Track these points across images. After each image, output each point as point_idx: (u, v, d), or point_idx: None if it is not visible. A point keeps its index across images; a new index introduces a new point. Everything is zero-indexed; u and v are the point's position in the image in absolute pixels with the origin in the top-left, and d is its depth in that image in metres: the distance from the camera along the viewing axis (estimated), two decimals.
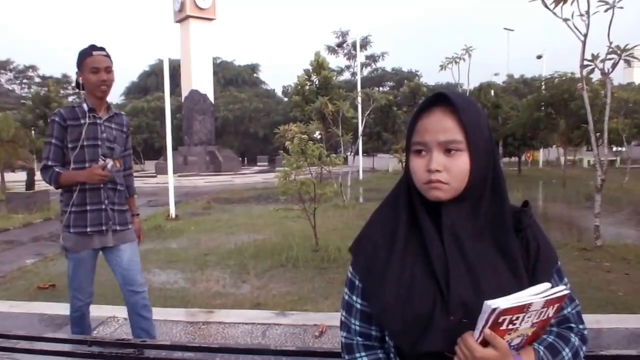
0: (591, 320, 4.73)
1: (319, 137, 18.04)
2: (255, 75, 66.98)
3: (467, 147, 1.17)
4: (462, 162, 1.17)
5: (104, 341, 1.98)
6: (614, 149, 31.53)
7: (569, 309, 1.30)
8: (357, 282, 1.33)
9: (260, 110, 50.31)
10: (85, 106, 3.26)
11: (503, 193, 1.24)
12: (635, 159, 26.93)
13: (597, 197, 8.44)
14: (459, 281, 1.17)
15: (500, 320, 1.07)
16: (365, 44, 44.38)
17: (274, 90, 64.69)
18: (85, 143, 3.19)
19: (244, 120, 48.88)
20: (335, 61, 50.70)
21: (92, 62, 3.18)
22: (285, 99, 51.22)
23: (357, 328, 1.34)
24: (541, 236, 1.28)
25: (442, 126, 1.17)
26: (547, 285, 1.13)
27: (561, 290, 1.12)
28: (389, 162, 32.15)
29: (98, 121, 3.28)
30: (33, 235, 11.11)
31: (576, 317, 1.31)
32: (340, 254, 7.40)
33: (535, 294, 1.10)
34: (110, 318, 5.09)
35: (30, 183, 15.18)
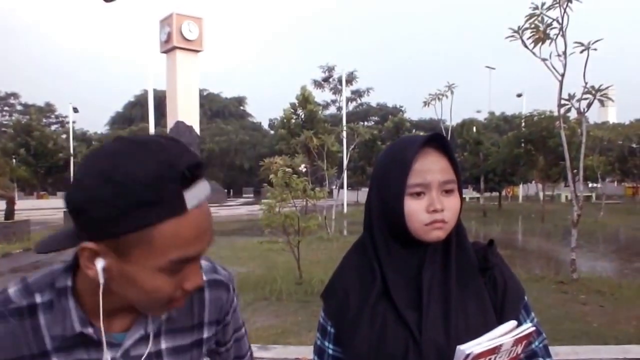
0: (568, 352, 4.77)
1: (304, 170, 18.08)
2: (241, 107, 67.30)
3: (456, 185, 1.20)
4: (456, 201, 1.19)
5: None
6: (590, 185, 32.02)
7: (537, 343, 1.32)
8: (329, 328, 1.31)
9: (247, 143, 50.36)
10: (74, 317, 0.91)
11: (465, 233, 1.27)
12: (610, 195, 27.35)
13: (573, 231, 8.54)
14: (432, 325, 1.18)
15: None
16: (351, 79, 44.93)
17: (260, 123, 65.03)
18: None
19: (230, 152, 48.81)
20: (321, 95, 51.17)
21: (183, 239, 0.81)
22: (272, 132, 51.40)
23: None
24: (508, 273, 1.30)
25: (441, 166, 1.17)
26: (513, 323, 1.15)
27: (528, 327, 1.15)
28: None
29: (107, 356, 0.94)
30: (12, 265, 10.88)
31: (543, 351, 1.33)
32: (323, 286, 7.31)
33: (504, 334, 1.12)
34: None
35: (9, 212, 14.94)
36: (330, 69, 46.41)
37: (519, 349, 1.16)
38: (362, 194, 36.70)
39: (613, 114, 48.70)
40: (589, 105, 8.52)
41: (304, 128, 21.85)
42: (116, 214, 0.76)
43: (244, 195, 44.68)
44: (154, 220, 0.77)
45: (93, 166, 0.79)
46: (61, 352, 0.92)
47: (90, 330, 0.91)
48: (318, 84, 47.27)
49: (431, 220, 1.15)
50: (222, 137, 48.86)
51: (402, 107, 57.54)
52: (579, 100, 8.39)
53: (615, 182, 39.50)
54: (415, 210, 1.17)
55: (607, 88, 8.33)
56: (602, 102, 8.63)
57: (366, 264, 1.26)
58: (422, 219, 1.16)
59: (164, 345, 1.03)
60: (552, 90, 8.49)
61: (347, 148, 21.35)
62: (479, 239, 1.33)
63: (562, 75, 8.12)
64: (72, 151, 41.05)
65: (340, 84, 37.95)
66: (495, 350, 1.09)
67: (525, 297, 1.32)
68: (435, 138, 1.20)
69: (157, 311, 0.93)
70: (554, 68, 8.12)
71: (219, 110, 61.44)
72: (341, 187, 21.57)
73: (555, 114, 9.46)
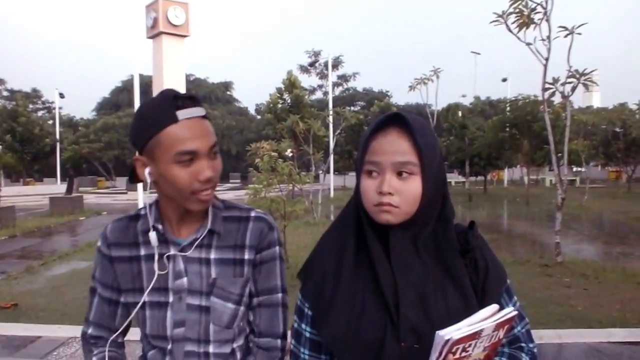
0: (553, 335, 4.78)
1: (290, 155, 17.98)
2: (228, 93, 66.85)
3: (420, 170, 1.13)
4: (414, 186, 1.13)
5: None
6: (574, 169, 32.26)
7: (519, 328, 1.28)
8: (306, 310, 1.28)
9: (233, 128, 50.16)
10: (150, 219, 1.39)
11: (449, 216, 1.22)
12: (594, 179, 27.64)
13: (558, 215, 8.58)
14: (408, 306, 1.14)
15: (453, 350, 1.04)
16: (337, 64, 44.66)
17: (247, 108, 64.74)
18: (148, 298, 1.40)
19: (216, 137, 48.20)
20: (308, 80, 50.98)
21: (179, 138, 1.25)
22: (258, 117, 51.20)
23: (307, 357, 1.30)
24: (490, 256, 1.25)
25: (397, 148, 1.13)
26: (495, 307, 1.10)
27: (510, 312, 1.09)
28: None
29: (172, 249, 1.39)
30: None
31: (526, 335, 1.29)
32: None
33: (485, 318, 1.07)
34: (71, 339, 4.90)
35: None
36: (317, 54, 46.07)
37: (501, 333, 1.11)
38: (349, 179, 36.74)
39: (597, 99, 49.03)
40: (573, 89, 8.55)
41: (290, 112, 21.63)
42: (142, 132, 1.26)
43: (231, 181, 44.47)
44: (159, 128, 1.23)
45: (134, 115, 1.31)
46: (146, 245, 1.38)
47: (160, 227, 1.37)
48: (304, 69, 46.95)
49: (378, 202, 1.13)
50: None
51: (388, 91, 57.62)
52: (563, 84, 8.43)
53: (599, 167, 39.86)
54: (366, 189, 1.16)
55: (591, 72, 8.34)
56: (586, 86, 8.64)
57: (345, 241, 1.23)
58: (372, 199, 1.15)
59: (212, 255, 1.38)
60: (537, 75, 8.52)
61: (334, 133, 21.26)
62: (465, 222, 1.28)
63: (547, 60, 8.12)
64: (58, 137, 40.55)
65: (327, 69, 37.76)
66: (475, 335, 1.05)
67: (508, 281, 1.27)
68: (399, 118, 1.15)
69: (192, 203, 1.29)
70: (539, 52, 8.12)
71: (206, 95, 60.89)
72: (327, 171, 21.53)
73: (540, 98, 9.46)
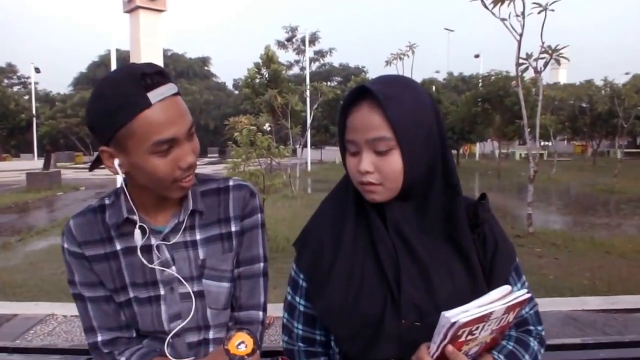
0: None
1: (268, 129, 17.75)
2: (206, 68, 65.71)
3: (397, 144, 1.02)
4: (392, 161, 1.03)
5: (29, 347, 1.74)
6: (542, 143, 32.68)
7: (527, 309, 1.18)
8: (301, 282, 1.20)
9: (211, 103, 49.41)
10: (123, 209, 1.22)
11: (455, 186, 1.10)
12: (560, 152, 28.03)
13: (530, 187, 8.65)
14: (410, 282, 1.05)
15: (459, 333, 0.94)
16: (313, 39, 44.20)
17: (224, 83, 63.83)
18: (136, 294, 1.24)
19: (194, 112, 47.38)
20: (285, 56, 50.27)
21: (155, 125, 1.05)
22: (236, 92, 50.55)
23: (300, 332, 1.22)
24: (499, 232, 1.15)
25: (368, 123, 1.02)
26: (507, 288, 1.00)
27: (522, 294, 0.99)
28: (336, 155, 32.14)
29: (152, 240, 1.23)
30: None
31: (534, 318, 1.19)
32: (289, 243, 7.26)
33: (495, 300, 0.96)
34: (48, 316, 4.72)
35: None
36: (293, 30, 45.49)
37: (511, 317, 1.00)
38: (326, 153, 36.69)
39: (563, 76, 49.48)
40: (546, 65, 8.60)
41: (268, 87, 21.36)
42: (107, 119, 1.04)
43: (209, 155, 43.94)
44: (129, 117, 1.02)
45: (92, 94, 1.08)
46: (121, 238, 1.21)
47: (135, 217, 1.19)
48: (281, 45, 46.35)
49: (360, 181, 1.06)
50: (186, 97, 47.16)
51: (364, 67, 57.21)
52: (536, 60, 8.46)
53: (566, 141, 40.46)
54: (350, 168, 1.09)
55: (563, 48, 8.39)
56: (558, 62, 8.69)
57: (345, 211, 1.14)
58: (355, 178, 1.08)
59: (198, 236, 1.25)
60: (508, 52, 8.54)
61: (311, 107, 21.05)
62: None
63: (521, 35, 8.15)
64: (34, 112, 39.41)
65: (304, 45, 37.31)
66: (484, 318, 0.95)
67: (517, 259, 1.16)
68: (369, 91, 1.02)
69: (173, 191, 1.15)
70: (513, 28, 8.09)
71: (184, 70, 59.81)
72: (305, 145, 21.36)
73: (512, 74, 9.49)
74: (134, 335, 1.28)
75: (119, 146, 1.07)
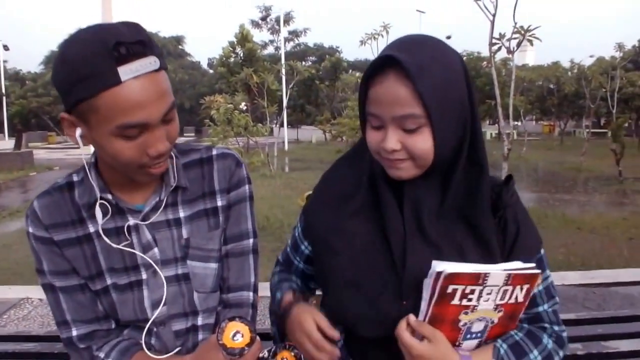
0: None
1: (244, 108, 17.47)
2: (180, 47, 64.36)
3: (428, 121, 0.90)
4: (422, 140, 0.92)
5: (2, 335, 1.58)
6: (511, 123, 33.10)
7: (545, 307, 1.06)
8: (303, 248, 1.19)
9: (186, 82, 48.59)
10: (95, 188, 1.05)
11: (481, 164, 0.98)
12: (530, 132, 28.37)
13: (504, 164, 8.64)
14: (416, 262, 0.96)
15: (449, 290, 0.87)
16: (288, 19, 43.56)
17: (199, 62, 62.73)
18: (114, 281, 1.10)
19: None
20: (259, 35, 49.46)
21: (122, 108, 0.88)
22: (211, 71, 49.81)
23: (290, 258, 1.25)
24: (523, 219, 1.03)
25: (395, 98, 0.89)
26: (517, 264, 0.91)
27: (529, 267, 0.90)
28: (312, 134, 32.04)
29: (130, 220, 1.09)
30: None
31: (552, 316, 1.06)
32: (268, 222, 7.22)
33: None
34: (23, 300, 4.54)
35: None
36: (267, 9, 44.75)
37: (519, 294, 0.91)
38: (302, 132, 36.46)
39: (531, 57, 49.91)
40: (519, 45, 8.61)
41: (243, 66, 20.99)
42: (68, 87, 0.88)
43: (185, 135, 43.22)
44: (93, 91, 0.86)
45: (59, 52, 0.91)
46: (94, 219, 1.05)
47: (108, 196, 1.04)
48: (256, 24, 45.63)
49: (385, 157, 0.96)
50: None
51: (338, 47, 56.89)
52: (508, 40, 8.45)
53: (534, 121, 41.00)
54: (371, 141, 0.98)
55: (535, 28, 8.39)
56: (530, 42, 8.69)
57: (356, 173, 1.07)
58: (378, 152, 0.97)
59: (182, 213, 1.11)
60: (479, 34, 8.49)
61: (287, 87, 20.79)
62: None
63: (494, 15, 8.07)
64: (4, 91, 38.07)
65: (278, 24, 36.73)
66: (478, 279, 0.87)
67: (542, 251, 1.04)
68: (394, 61, 0.88)
69: (139, 176, 1.00)
70: (486, 8, 8.01)
71: None
72: (281, 125, 21.17)
73: (483, 54, 9.50)
74: (113, 326, 1.13)
75: (80, 117, 0.92)
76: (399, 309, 0.96)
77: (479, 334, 0.96)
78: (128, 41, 0.86)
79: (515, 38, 8.46)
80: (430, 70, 0.89)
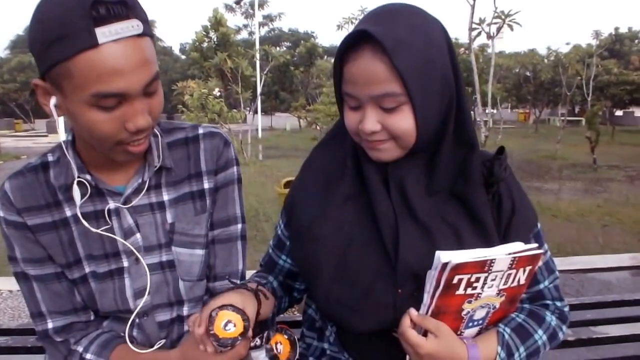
0: None
1: (218, 94, 17.25)
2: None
3: (408, 99, 0.85)
4: (403, 119, 0.87)
5: None
6: (486, 110, 33.48)
7: (546, 283, 1.04)
8: (289, 244, 1.10)
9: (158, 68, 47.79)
10: (72, 167, 0.98)
11: (470, 139, 0.94)
12: (505, 120, 28.75)
13: None
14: (410, 247, 0.92)
15: (455, 280, 0.84)
16: (262, 3, 43.04)
17: (171, 47, 61.77)
18: (92, 269, 1.03)
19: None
20: (233, 20, 48.91)
21: (98, 74, 0.81)
22: (183, 57, 49.04)
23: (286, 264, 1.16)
24: (518, 193, 1.00)
25: (371, 75, 0.84)
26: (519, 245, 0.89)
27: (532, 248, 0.87)
28: (287, 121, 31.86)
29: (110, 203, 1.02)
30: None
31: (554, 292, 1.05)
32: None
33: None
34: None
35: None
36: None
37: (521, 277, 0.89)
38: (276, 119, 36.26)
39: (507, 45, 50.47)
40: (498, 30, 8.67)
41: (217, 51, 20.70)
42: (42, 49, 0.81)
43: None
44: (67, 53, 0.79)
45: (34, 11, 0.84)
46: (72, 202, 0.98)
47: (87, 177, 0.98)
48: (229, 8, 44.96)
49: (364, 139, 0.91)
50: None
51: (313, 32, 56.75)
52: (489, 25, 8.50)
53: (509, 109, 41.53)
54: (350, 123, 0.93)
55: (516, 13, 8.45)
56: (511, 27, 8.77)
57: (339, 157, 1.01)
58: (357, 134, 0.93)
59: (166, 196, 1.05)
60: (456, 20, 8.49)
61: (261, 73, 20.61)
62: None
63: (474, 0, 8.08)
64: None
65: (252, 8, 36.30)
66: (484, 266, 0.84)
67: (538, 225, 1.02)
68: (369, 35, 0.82)
69: (116, 154, 0.92)
70: None
71: None
72: (255, 112, 20.96)
73: (460, 41, 9.54)
74: (92, 318, 1.07)
75: (55, 84, 0.85)
76: (393, 298, 0.92)
77: (480, 321, 0.94)
78: (108, 0, 0.79)
79: (495, 23, 8.54)
80: (408, 43, 0.83)
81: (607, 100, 26.67)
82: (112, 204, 1.00)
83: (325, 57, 37.89)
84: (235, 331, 0.86)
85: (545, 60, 25.95)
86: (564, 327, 1.04)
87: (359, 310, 0.94)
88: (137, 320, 1.05)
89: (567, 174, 12.57)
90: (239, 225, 1.12)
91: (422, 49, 0.84)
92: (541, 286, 1.03)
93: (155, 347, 1.04)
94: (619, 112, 33.96)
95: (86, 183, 0.98)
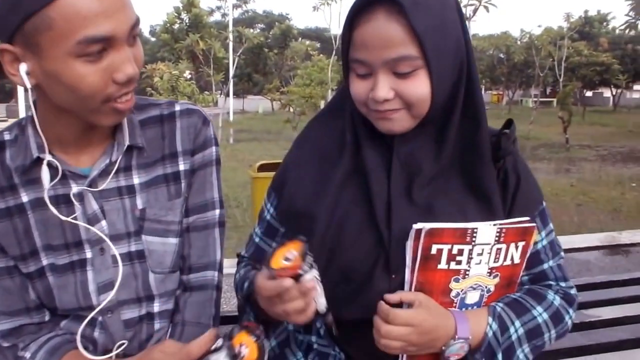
0: None
1: (189, 77, 16.92)
2: None
3: (424, 63, 0.81)
4: (418, 85, 0.82)
5: None
6: None
7: (550, 262, 0.96)
8: (282, 231, 1.00)
9: None
10: (33, 144, 0.90)
11: (479, 112, 0.88)
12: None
13: None
14: (404, 228, 0.84)
15: (434, 251, 0.79)
16: None
17: (140, 29, 60.73)
18: (50, 260, 0.93)
19: None
20: (206, 1, 48.09)
21: (83, 16, 0.75)
22: (153, 39, 48.11)
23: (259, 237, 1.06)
24: (523, 169, 0.94)
25: (387, 38, 0.80)
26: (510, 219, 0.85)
27: (523, 220, 0.83)
28: (259, 104, 31.59)
29: (73, 187, 0.92)
30: None
31: (557, 271, 0.97)
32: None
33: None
34: None
35: None
36: None
37: (514, 253, 0.84)
38: (248, 102, 35.93)
39: (480, 27, 50.90)
40: (475, 11, 8.64)
41: (188, 33, 20.29)
42: (8, 4, 0.73)
43: None
44: (45, 0, 0.71)
45: None
46: (29, 186, 0.89)
47: (48, 156, 0.87)
48: None
49: (374, 109, 0.85)
50: None
51: (288, 14, 56.33)
52: (465, 7, 8.47)
53: (483, 90, 41.95)
54: (357, 92, 0.86)
55: None
56: (487, 8, 8.74)
57: (337, 132, 0.94)
58: (365, 104, 0.86)
59: (136, 179, 0.94)
60: None
61: (234, 54, 20.31)
62: None
63: None
64: None
65: None
66: (465, 236, 0.79)
67: (544, 203, 0.95)
68: None
69: (104, 115, 0.83)
70: None
71: None
72: (227, 94, 20.70)
73: None
74: (47, 318, 0.95)
75: (27, 44, 0.76)
76: (388, 284, 0.85)
77: (474, 306, 0.86)
78: None
79: (472, 5, 8.50)
80: (424, 3, 0.79)
81: (578, 81, 27.14)
82: (75, 188, 0.90)
83: (300, 39, 37.57)
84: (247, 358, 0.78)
85: (519, 42, 26.16)
86: (571, 311, 0.96)
87: (353, 300, 0.88)
88: (99, 319, 0.93)
89: (541, 154, 12.70)
90: (217, 211, 1.02)
91: (439, 9, 0.81)
92: (545, 266, 0.96)
93: (115, 351, 0.92)
94: (589, 93, 34.56)
95: (46, 165, 0.87)
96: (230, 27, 21.58)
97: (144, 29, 59.63)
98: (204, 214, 1.00)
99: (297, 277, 0.76)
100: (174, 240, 0.97)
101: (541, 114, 19.49)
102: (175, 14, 23.58)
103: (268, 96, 24.75)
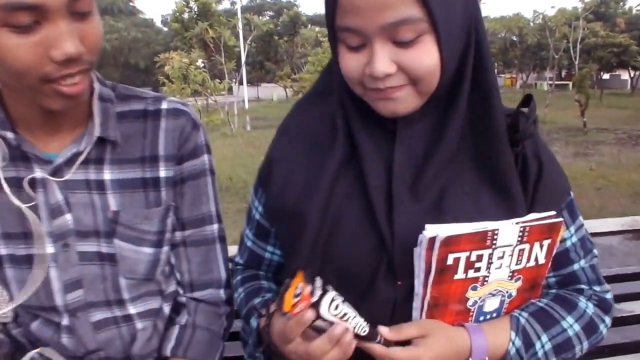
0: None
1: (202, 65, 16.89)
2: (131, 4, 61.98)
3: (430, 26, 0.65)
4: (425, 54, 0.67)
5: None
6: None
7: (582, 263, 0.83)
8: (273, 232, 0.89)
9: (139, 41, 46.94)
10: None
11: (491, 84, 0.74)
12: None
13: None
14: (408, 227, 0.72)
15: (450, 261, 0.68)
16: None
17: (152, 19, 60.84)
18: (9, 251, 0.87)
19: (123, 50, 45.32)
20: None
21: None
22: (165, 29, 48.22)
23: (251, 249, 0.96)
24: (546, 153, 0.80)
25: None
26: (532, 215, 0.73)
27: (548, 216, 0.70)
28: (273, 91, 31.53)
29: (37, 172, 0.84)
30: None
31: (590, 273, 0.84)
32: (231, 182, 7.20)
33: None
34: None
35: None
36: None
37: (539, 252, 0.73)
38: (262, 90, 35.91)
39: (491, 9, 50.14)
40: None
41: (198, 21, 20.19)
42: None
43: None
44: None
45: None
46: None
47: (8, 135, 0.80)
48: None
49: (371, 87, 0.70)
50: (113, 35, 45.05)
51: (295, 1, 55.87)
52: None
53: (496, 74, 41.45)
54: (350, 68, 0.71)
55: None
56: None
57: (325, 117, 0.80)
58: (360, 81, 0.71)
59: (108, 175, 0.86)
60: None
61: (244, 42, 20.21)
62: None
63: None
64: None
65: None
66: (485, 239, 0.68)
67: (571, 194, 0.80)
68: None
69: (46, 97, 0.73)
70: None
71: (107, 7, 55.94)
72: (240, 82, 20.61)
73: None
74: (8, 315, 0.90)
75: None
76: (394, 292, 0.74)
77: (493, 314, 0.76)
78: None
79: None
80: None
81: (594, 63, 26.64)
82: (39, 173, 0.82)
83: (310, 25, 37.26)
84: None
85: (532, 24, 25.66)
86: (607, 319, 0.83)
87: (357, 307, 0.75)
88: (65, 322, 0.86)
89: (558, 138, 12.47)
90: (215, 226, 0.94)
91: None
92: (575, 267, 0.83)
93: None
94: (605, 76, 33.90)
95: (5, 143, 0.80)
96: (239, 15, 21.46)
97: (156, 19, 59.69)
98: (201, 228, 0.93)
99: (314, 305, 0.67)
100: (148, 250, 0.88)
101: (557, 97, 19.14)
102: (184, 3, 23.42)
103: (280, 83, 24.65)
